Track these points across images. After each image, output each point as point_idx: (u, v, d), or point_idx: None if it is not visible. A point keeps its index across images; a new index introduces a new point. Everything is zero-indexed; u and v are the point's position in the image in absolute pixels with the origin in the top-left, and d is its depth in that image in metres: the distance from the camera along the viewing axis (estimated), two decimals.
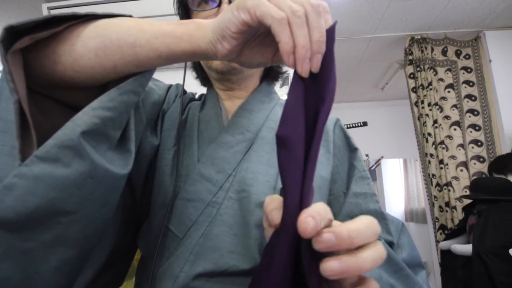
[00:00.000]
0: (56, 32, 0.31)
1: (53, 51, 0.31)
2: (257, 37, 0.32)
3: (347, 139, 0.54)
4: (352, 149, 0.53)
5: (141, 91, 0.34)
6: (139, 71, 0.33)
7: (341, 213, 0.48)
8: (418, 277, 0.44)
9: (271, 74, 0.59)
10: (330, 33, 0.27)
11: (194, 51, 0.31)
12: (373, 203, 0.47)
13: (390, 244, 0.45)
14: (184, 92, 0.57)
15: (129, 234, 0.49)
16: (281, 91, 2.36)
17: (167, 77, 0.76)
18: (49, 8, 1.87)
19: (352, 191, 0.49)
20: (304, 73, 0.26)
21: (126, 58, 0.32)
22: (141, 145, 0.47)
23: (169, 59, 0.32)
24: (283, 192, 0.27)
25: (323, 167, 0.50)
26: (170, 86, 0.56)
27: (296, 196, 0.25)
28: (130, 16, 0.35)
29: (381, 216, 0.47)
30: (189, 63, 0.61)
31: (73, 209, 0.29)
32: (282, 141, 0.26)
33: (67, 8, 1.86)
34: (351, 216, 0.47)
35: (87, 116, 0.29)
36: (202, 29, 0.31)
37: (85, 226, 0.31)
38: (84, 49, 0.31)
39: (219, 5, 0.48)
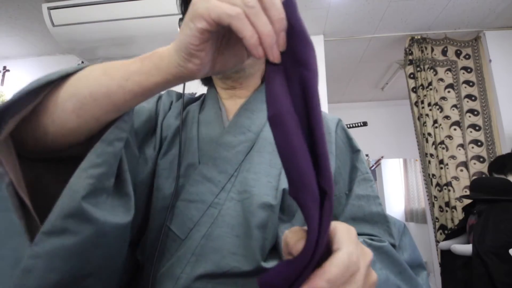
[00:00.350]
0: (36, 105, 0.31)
1: (39, 125, 0.32)
2: (222, 39, 0.31)
3: (349, 140, 0.53)
4: (354, 151, 0.52)
5: (124, 135, 0.34)
6: (121, 114, 0.34)
7: (343, 214, 0.48)
8: (419, 278, 0.45)
9: None
10: (289, 0, 0.26)
11: (167, 80, 0.31)
12: (376, 206, 0.48)
13: (392, 246, 0.45)
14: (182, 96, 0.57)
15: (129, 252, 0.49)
16: None
17: None
18: (49, 8, 1.86)
19: (355, 193, 0.49)
20: (276, 59, 0.26)
21: (104, 109, 0.32)
22: (137, 170, 0.46)
23: (146, 95, 0.32)
24: (288, 186, 0.26)
25: None
26: (160, 96, 0.56)
27: (313, 197, 0.24)
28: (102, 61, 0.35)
29: (383, 219, 0.47)
30: None
31: (93, 270, 0.30)
32: (275, 120, 0.25)
33: (67, 8, 1.86)
34: (353, 219, 0.47)
35: (81, 179, 0.29)
36: (167, 57, 0.30)
37: (107, 279, 0.32)
38: (65, 114, 0.31)
39: None
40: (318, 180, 0.25)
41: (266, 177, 0.45)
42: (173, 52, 0.29)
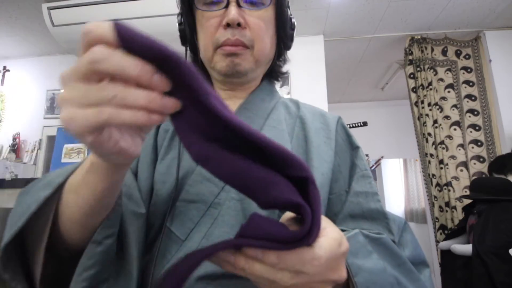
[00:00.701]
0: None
1: (58, 242, 0.35)
2: None
3: (349, 138, 0.53)
4: (354, 148, 0.52)
5: (113, 230, 0.37)
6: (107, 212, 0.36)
7: (342, 212, 0.47)
8: (422, 275, 0.44)
9: (272, 75, 0.59)
10: (124, 34, 0.21)
11: (120, 173, 0.31)
12: (375, 202, 0.47)
13: None
14: None
15: None
16: (281, 91, 2.36)
17: None
18: (49, 8, 1.86)
19: (354, 190, 0.48)
20: (174, 108, 0.24)
21: (101, 214, 0.35)
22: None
23: (118, 186, 0.34)
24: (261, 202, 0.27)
25: (326, 164, 0.49)
26: None
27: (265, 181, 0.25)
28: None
29: (382, 216, 0.46)
30: (189, 60, 0.60)
31: None
32: (200, 158, 0.25)
33: (67, 8, 1.86)
34: (352, 215, 0.47)
35: (77, 284, 0.33)
36: (100, 163, 0.30)
37: None
38: (71, 230, 0.35)
39: (227, 6, 0.47)
40: (292, 174, 0.25)
41: None
42: (99, 157, 0.28)
